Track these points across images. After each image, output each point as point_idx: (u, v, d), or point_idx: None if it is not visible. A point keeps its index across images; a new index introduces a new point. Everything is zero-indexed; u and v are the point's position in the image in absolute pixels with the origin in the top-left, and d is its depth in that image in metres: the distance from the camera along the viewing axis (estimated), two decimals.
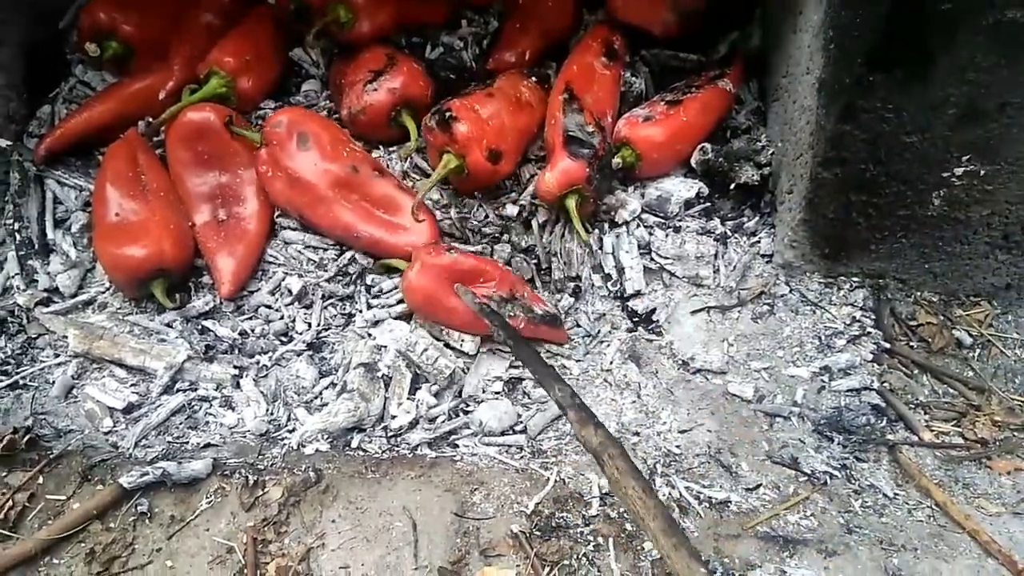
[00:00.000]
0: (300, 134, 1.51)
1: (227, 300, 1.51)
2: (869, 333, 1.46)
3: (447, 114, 1.48)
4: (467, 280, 1.42)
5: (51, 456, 1.34)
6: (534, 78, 1.69)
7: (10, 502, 1.27)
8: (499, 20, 1.81)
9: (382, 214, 1.53)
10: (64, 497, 1.29)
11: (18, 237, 1.61)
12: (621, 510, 1.25)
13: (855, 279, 1.51)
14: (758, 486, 1.29)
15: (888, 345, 1.46)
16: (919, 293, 1.51)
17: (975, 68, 1.14)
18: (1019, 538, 1.22)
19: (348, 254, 1.56)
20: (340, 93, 1.66)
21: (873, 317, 1.48)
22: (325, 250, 1.57)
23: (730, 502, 1.27)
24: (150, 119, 1.68)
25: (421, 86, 1.64)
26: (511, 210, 1.57)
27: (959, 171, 1.28)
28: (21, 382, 1.44)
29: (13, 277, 1.57)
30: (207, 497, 1.28)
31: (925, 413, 1.41)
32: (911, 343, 1.49)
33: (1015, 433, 1.38)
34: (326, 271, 1.54)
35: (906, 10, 1.10)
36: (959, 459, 1.35)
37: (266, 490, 1.27)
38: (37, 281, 1.57)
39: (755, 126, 1.67)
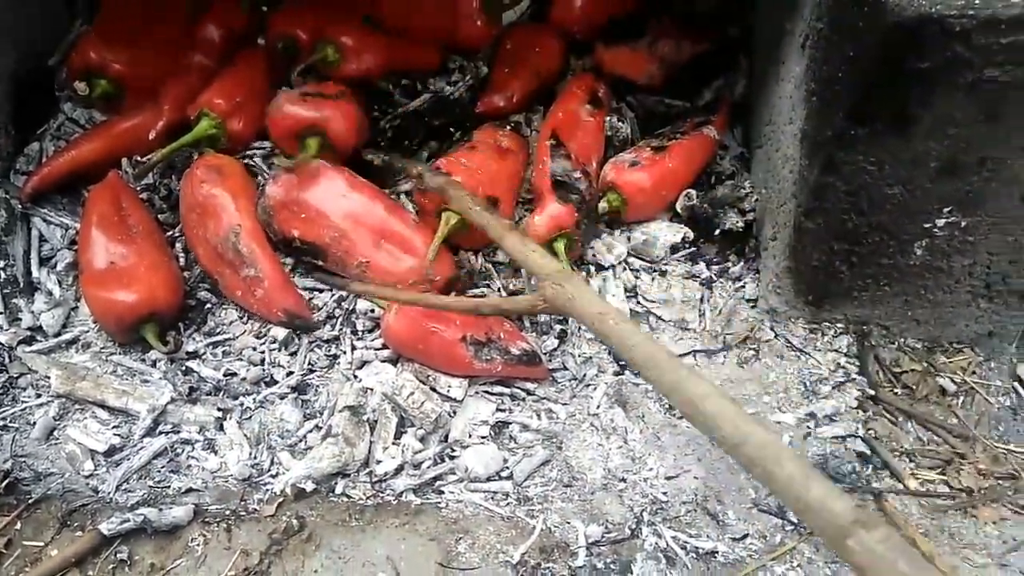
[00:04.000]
0: None
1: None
2: (854, 379, 1.47)
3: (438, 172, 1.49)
4: (443, 322, 1.43)
5: (30, 500, 1.32)
6: (509, 127, 1.72)
7: None
8: (488, 65, 1.83)
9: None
10: (42, 543, 1.27)
11: (3, 275, 1.60)
12: (608, 560, 1.24)
13: (839, 325, 1.52)
14: (745, 536, 1.28)
15: (872, 392, 1.47)
16: (903, 340, 1.53)
17: (955, 124, 1.16)
18: None
19: (337, 294, 1.57)
20: None
21: (857, 363, 1.49)
22: (312, 295, 1.57)
23: (717, 552, 1.26)
24: (138, 158, 1.69)
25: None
26: (503, 255, 1.58)
27: (941, 222, 1.30)
28: (1, 423, 1.42)
29: None
30: (188, 545, 1.26)
31: (910, 461, 1.41)
32: (895, 390, 1.49)
33: (1000, 482, 1.38)
34: (316, 312, 1.54)
35: (887, 67, 1.12)
36: (944, 508, 1.35)
37: (247, 538, 1.26)
38: (20, 319, 1.56)
39: (739, 172, 1.69)
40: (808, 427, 1.43)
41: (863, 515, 0.58)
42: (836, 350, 1.50)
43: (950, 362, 1.52)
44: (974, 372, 1.51)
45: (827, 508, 0.58)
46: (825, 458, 1.39)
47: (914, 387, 1.49)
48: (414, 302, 1.35)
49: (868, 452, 1.40)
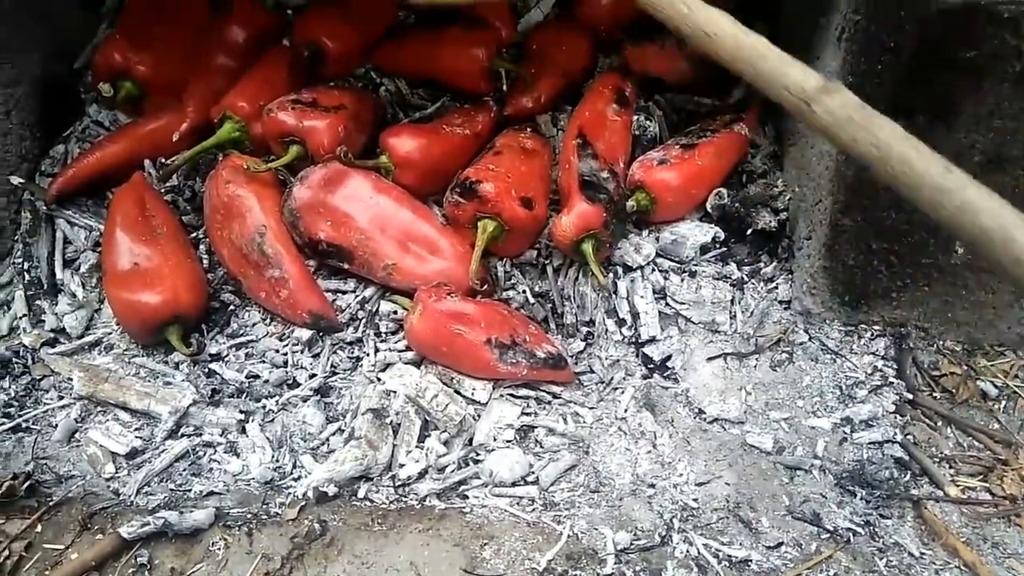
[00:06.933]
0: None
1: None
2: (891, 383, 1.42)
3: (468, 182, 1.48)
4: (467, 324, 1.40)
5: (51, 503, 1.30)
6: (529, 129, 1.71)
7: (7, 551, 1.24)
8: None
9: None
10: (62, 546, 1.25)
11: (27, 277, 1.59)
12: (637, 568, 1.20)
13: (876, 327, 1.47)
14: (779, 544, 1.24)
15: (911, 396, 1.42)
16: (942, 342, 1.48)
17: (1001, 116, 1.12)
18: None
19: (360, 295, 1.55)
20: None
21: (895, 367, 1.44)
22: (335, 297, 1.55)
23: (751, 561, 1.22)
24: (163, 160, 1.68)
25: None
26: (530, 255, 1.57)
27: None
28: (23, 425, 1.41)
29: (20, 318, 1.55)
30: (208, 549, 1.24)
31: (950, 467, 1.36)
32: (934, 394, 1.44)
33: None
34: (339, 315, 1.52)
35: (929, 57, 1.08)
36: (987, 516, 1.30)
37: (269, 542, 1.23)
38: (44, 321, 1.55)
39: (771, 171, 1.64)
40: (844, 432, 1.38)
41: (827, 85, 0.70)
42: (873, 353, 1.46)
43: (991, 365, 1.46)
44: (1016, 375, 1.46)
45: (795, 80, 0.72)
46: (862, 464, 1.34)
47: (954, 391, 1.44)
48: None
49: (906, 458, 1.35)
